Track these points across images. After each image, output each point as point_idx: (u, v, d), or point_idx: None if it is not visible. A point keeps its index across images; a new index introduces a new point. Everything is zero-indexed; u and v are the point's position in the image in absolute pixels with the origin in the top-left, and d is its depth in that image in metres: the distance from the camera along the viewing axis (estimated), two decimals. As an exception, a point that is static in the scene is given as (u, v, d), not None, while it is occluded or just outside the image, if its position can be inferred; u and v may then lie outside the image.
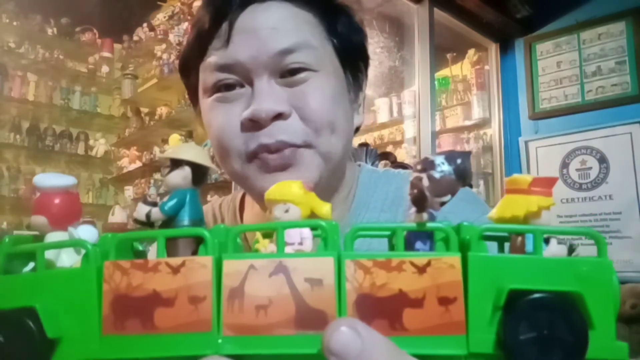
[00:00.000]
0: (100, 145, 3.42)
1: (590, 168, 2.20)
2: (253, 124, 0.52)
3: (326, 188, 0.59)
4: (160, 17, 3.08)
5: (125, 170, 3.22)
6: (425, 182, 0.25)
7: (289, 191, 0.27)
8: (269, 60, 0.53)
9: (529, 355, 0.24)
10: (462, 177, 0.25)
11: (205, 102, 0.57)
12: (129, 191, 3.23)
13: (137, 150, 3.20)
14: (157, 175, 2.94)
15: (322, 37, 0.57)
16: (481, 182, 2.47)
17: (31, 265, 0.28)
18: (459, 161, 0.25)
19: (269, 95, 0.52)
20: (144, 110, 3.22)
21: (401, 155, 2.42)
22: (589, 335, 0.24)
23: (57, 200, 0.28)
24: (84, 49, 3.44)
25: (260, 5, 0.54)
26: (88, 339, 0.25)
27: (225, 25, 0.54)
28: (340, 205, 0.63)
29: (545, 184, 0.27)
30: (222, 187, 2.23)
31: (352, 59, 0.61)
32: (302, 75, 0.54)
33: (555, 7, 2.36)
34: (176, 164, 0.27)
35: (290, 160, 0.53)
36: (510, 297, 0.24)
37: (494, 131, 2.50)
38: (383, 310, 0.25)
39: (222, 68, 0.54)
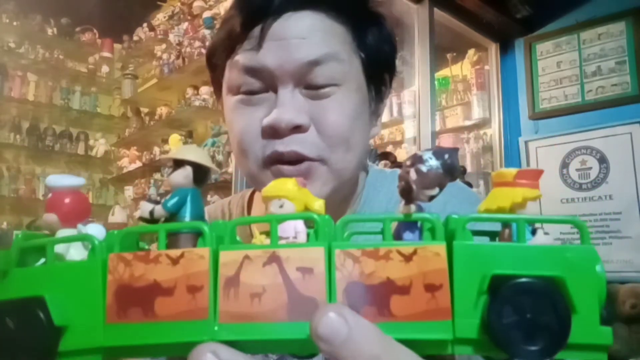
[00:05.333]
0: (100, 145, 3.43)
1: (590, 168, 2.20)
2: (272, 132, 0.53)
3: (338, 200, 0.60)
4: (160, 17, 3.08)
5: (125, 170, 3.22)
6: (413, 175, 0.26)
7: (284, 187, 0.29)
8: (296, 70, 0.53)
9: (512, 338, 0.25)
10: (450, 171, 0.26)
11: (229, 100, 0.58)
12: (129, 191, 3.23)
13: (137, 150, 3.20)
14: (157, 175, 2.94)
15: (350, 51, 0.57)
16: (481, 182, 2.48)
17: (42, 260, 0.30)
18: (446, 156, 0.26)
19: (290, 106, 0.53)
20: (144, 110, 3.22)
21: (401, 155, 2.42)
22: (572, 320, 0.25)
23: (67, 200, 0.30)
24: (84, 49, 3.45)
25: (294, 14, 0.54)
26: (93, 327, 0.27)
27: (257, 29, 0.54)
28: (349, 209, 0.64)
29: (530, 176, 0.27)
30: (222, 188, 2.24)
31: (378, 73, 0.61)
32: (326, 89, 0.54)
33: (555, 7, 2.36)
34: (178, 164, 0.29)
35: (305, 173, 0.54)
36: (494, 282, 0.25)
37: (494, 131, 2.50)
38: (371, 297, 0.26)
39: (249, 70, 0.54)
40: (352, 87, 0.56)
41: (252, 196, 0.72)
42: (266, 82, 0.55)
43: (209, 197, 2.29)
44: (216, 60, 0.60)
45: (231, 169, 2.13)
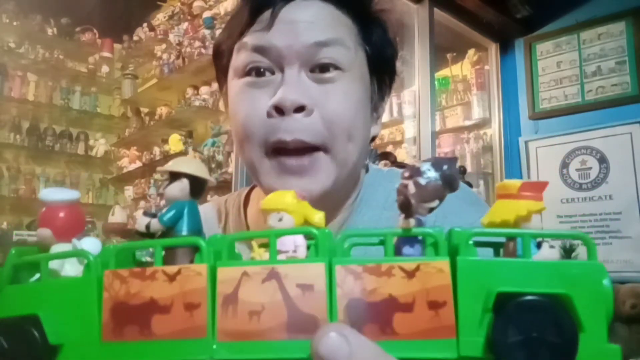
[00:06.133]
0: (100, 145, 3.42)
1: (590, 168, 2.20)
2: (277, 112, 0.54)
3: (339, 194, 0.60)
4: (160, 17, 3.08)
5: (125, 170, 3.22)
6: (412, 188, 0.26)
7: (282, 200, 0.28)
8: (303, 50, 0.54)
9: (518, 358, 0.24)
10: (449, 183, 0.26)
11: (235, 83, 0.58)
12: (129, 191, 3.23)
13: (137, 150, 3.19)
14: (157, 175, 2.94)
15: (356, 41, 0.58)
16: (481, 182, 2.47)
17: (37, 276, 0.29)
18: (445, 167, 0.26)
19: (296, 86, 0.54)
20: (144, 110, 3.22)
21: (401, 155, 2.42)
22: (580, 338, 0.24)
23: (61, 214, 0.30)
24: (84, 49, 3.44)
25: (303, 1, 0.56)
26: (88, 345, 0.26)
27: (267, 14, 0.55)
28: (348, 207, 0.64)
29: (534, 189, 0.27)
30: (222, 187, 2.23)
31: (381, 70, 0.62)
32: (331, 73, 0.55)
33: (555, 7, 2.36)
34: (175, 176, 0.28)
35: (308, 167, 0.54)
36: (499, 300, 0.25)
37: (494, 131, 2.49)
38: (373, 315, 0.25)
39: (258, 49, 0.55)
40: (356, 75, 0.57)
41: (248, 195, 0.72)
42: (274, 62, 0.55)
43: (208, 197, 2.29)
44: (224, 47, 0.61)
45: (231, 169, 2.13)
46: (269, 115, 0.54)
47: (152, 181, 2.97)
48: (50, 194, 0.30)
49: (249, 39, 0.56)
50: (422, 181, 0.25)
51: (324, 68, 0.55)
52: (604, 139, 2.17)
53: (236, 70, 0.58)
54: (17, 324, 0.27)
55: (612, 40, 2.21)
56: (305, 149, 0.54)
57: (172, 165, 0.28)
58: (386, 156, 1.97)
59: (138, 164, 3.13)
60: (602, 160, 2.18)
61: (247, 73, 0.57)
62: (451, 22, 2.29)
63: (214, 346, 0.25)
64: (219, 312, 0.25)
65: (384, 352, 0.24)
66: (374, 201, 0.64)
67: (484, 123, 2.52)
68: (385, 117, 2.77)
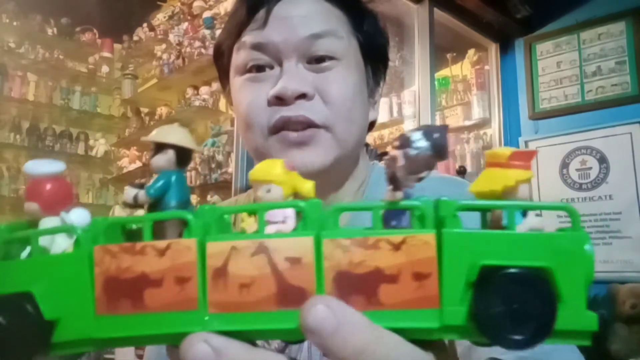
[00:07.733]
0: (100, 145, 3.42)
1: (590, 168, 2.20)
2: (278, 101, 0.56)
3: (339, 173, 0.63)
4: (160, 17, 3.08)
5: (125, 170, 3.21)
6: (401, 160, 0.26)
7: (271, 171, 0.28)
8: (299, 43, 0.57)
9: (499, 327, 0.25)
10: (439, 152, 0.26)
11: (236, 80, 0.61)
12: (129, 191, 3.23)
13: (137, 150, 3.19)
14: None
15: (348, 32, 0.61)
16: (481, 182, 2.47)
17: (29, 249, 0.29)
18: (435, 136, 0.26)
19: (295, 76, 0.57)
20: (144, 110, 3.21)
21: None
22: (559, 307, 0.25)
23: (47, 187, 0.29)
24: (84, 49, 3.44)
25: None
26: (83, 319, 0.27)
27: (262, 12, 0.58)
28: (351, 199, 0.65)
29: (523, 158, 0.27)
30: (222, 187, 2.24)
31: (374, 57, 0.65)
32: (327, 63, 0.58)
33: (555, 7, 2.37)
34: (160, 147, 0.28)
35: (309, 139, 0.57)
36: (483, 272, 0.25)
37: (494, 131, 2.50)
38: (360, 287, 0.25)
39: (256, 47, 0.58)
40: (351, 63, 0.60)
41: None
42: (272, 57, 0.58)
43: (209, 197, 2.29)
44: (223, 48, 0.64)
45: (231, 169, 2.13)
46: (269, 104, 0.57)
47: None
48: (35, 166, 0.29)
49: (247, 37, 0.59)
50: (412, 152, 0.25)
51: (320, 59, 0.58)
52: (604, 139, 2.17)
53: (237, 68, 0.61)
54: (12, 300, 0.27)
55: (612, 40, 2.21)
56: (308, 125, 0.56)
57: (156, 136, 0.28)
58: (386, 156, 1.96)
59: (138, 164, 3.12)
60: (602, 160, 2.18)
61: (248, 70, 0.60)
62: (451, 22, 2.30)
63: (206, 318, 0.25)
64: (209, 285, 0.26)
65: (370, 322, 0.24)
66: (379, 198, 0.64)
67: (484, 123, 2.52)
68: (385, 117, 2.76)
